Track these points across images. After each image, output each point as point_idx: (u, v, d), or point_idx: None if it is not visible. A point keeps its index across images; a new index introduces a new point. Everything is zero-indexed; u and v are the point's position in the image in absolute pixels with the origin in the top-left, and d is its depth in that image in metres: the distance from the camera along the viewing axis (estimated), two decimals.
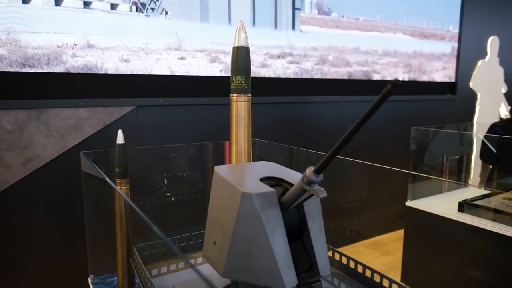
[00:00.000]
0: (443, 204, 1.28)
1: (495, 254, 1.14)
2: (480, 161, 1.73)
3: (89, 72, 1.34)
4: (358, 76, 2.10)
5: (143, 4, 1.42)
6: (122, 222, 0.66)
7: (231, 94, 0.71)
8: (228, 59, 1.59)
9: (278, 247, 0.46)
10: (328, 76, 1.98)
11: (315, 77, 1.93)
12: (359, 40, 2.11)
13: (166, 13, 1.47)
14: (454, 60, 2.67)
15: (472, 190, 1.43)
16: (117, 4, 1.38)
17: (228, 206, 0.49)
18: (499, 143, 1.68)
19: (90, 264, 0.76)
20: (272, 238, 0.46)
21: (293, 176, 0.53)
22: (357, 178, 1.96)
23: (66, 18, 1.28)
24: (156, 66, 1.46)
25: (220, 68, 1.61)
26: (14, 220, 1.25)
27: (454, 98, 2.72)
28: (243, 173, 0.55)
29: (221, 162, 1.01)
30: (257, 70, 1.73)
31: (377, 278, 0.58)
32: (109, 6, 1.36)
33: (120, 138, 0.67)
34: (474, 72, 2.84)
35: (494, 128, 1.77)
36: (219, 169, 0.55)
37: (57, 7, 1.26)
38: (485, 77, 2.90)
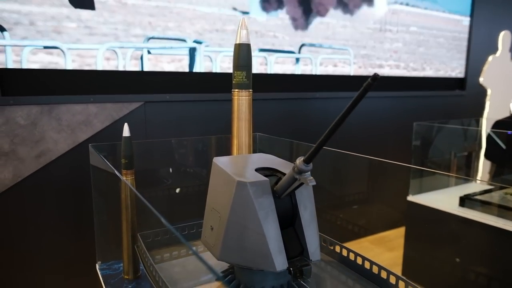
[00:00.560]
0: (444, 198, 1.29)
1: (496, 248, 1.15)
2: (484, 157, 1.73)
3: (99, 69, 1.38)
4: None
5: None
6: (127, 211, 0.70)
7: (232, 89, 0.73)
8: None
9: (270, 232, 0.49)
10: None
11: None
12: None
13: None
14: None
15: (475, 186, 1.43)
16: None
17: (225, 194, 0.52)
18: (506, 140, 1.67)
19: (98, 251, 0.80)
20: (264, 224, 0.49)
21: (287, 167, 0.56)
22: (364, 174, 1.98)
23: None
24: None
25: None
26: (28, 210, 1.30)
27: (463, 94, 2.70)
28: (240, 164, 0.58)
29: (224, 155, 1.04)
30: None
31: (376, 271, 0.61)
32: None
33: (126, 131, 0.70)
34: (485, 68, 2.82)
35: (499, 125, 1.76)
36: (217, 160, 0.58)
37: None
38: (496, 72, 2.87)
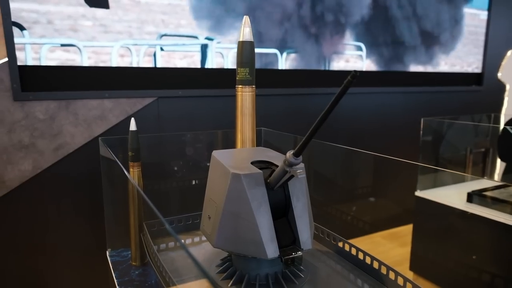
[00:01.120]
0: (452, 194, 1.29)
1: (503, 244, 1.14)
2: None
3: (114, 65, 1.43)
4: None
5: None
6: (134, 201, 0.74)
7: (236, 86, 0.76)
8: None
9: (262, 222, 0.51)
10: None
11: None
12: None
13: None
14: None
15: (485, 182, 1.42)
16: None
17: (221, 185, 0.55)
18: None
19: (108, 239, 0.84)
20: (257, 214, 0.51)
21: (282, 160, 0.58)
22: (377, 171, 1.98)
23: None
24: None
25: None
26: (47, 200, 1.37)
27: (480, 89, 2.65)
28: (237, 157, 0.61)
29: (229, 148, 1.07)
30: None
31: (369, 262, 0.63)
32: None
33: (132, 126, 0.74)
34: (503, 63, 2.75)
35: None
36: (216, 153, 0.61)
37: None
38: None
